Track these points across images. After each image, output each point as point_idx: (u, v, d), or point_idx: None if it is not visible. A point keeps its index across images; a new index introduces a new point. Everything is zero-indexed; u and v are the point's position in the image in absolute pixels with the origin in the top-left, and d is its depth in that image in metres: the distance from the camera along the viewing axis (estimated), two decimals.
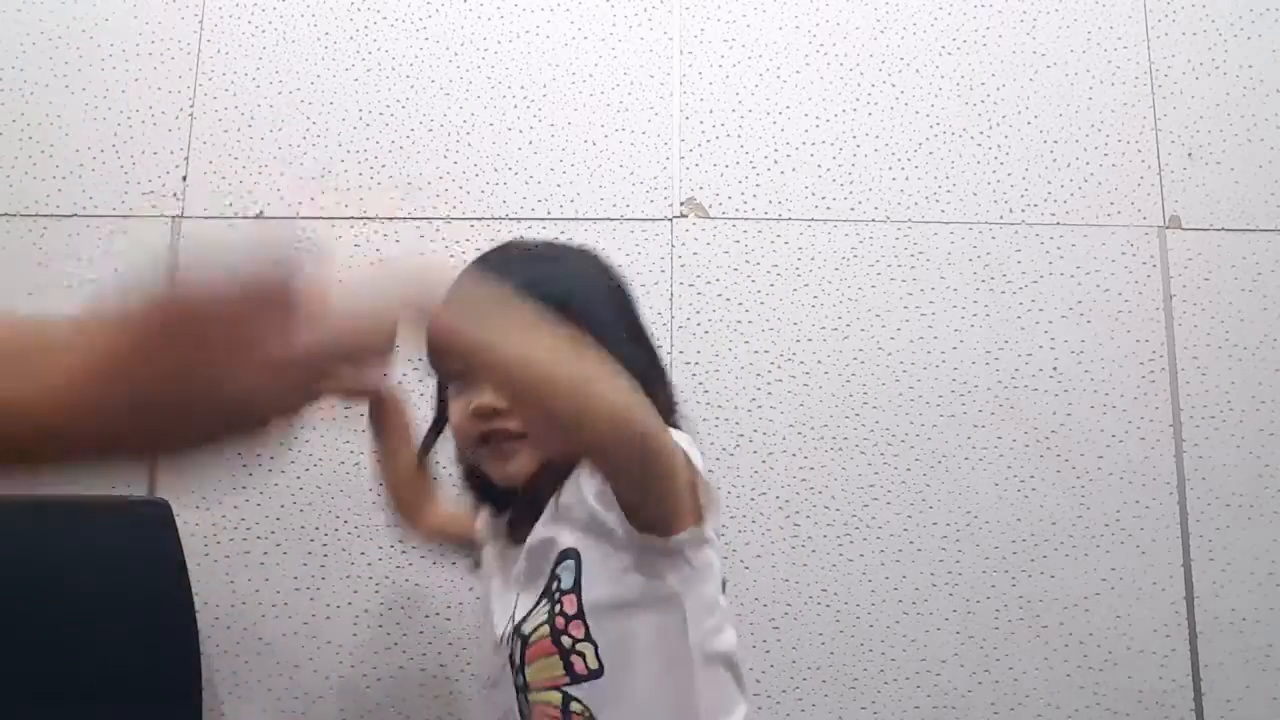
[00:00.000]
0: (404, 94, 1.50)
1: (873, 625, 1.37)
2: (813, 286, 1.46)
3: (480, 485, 1.00)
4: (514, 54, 1.51)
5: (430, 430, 1.06)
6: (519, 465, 0.92)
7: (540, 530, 0.90)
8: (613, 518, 0.83)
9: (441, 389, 1.04)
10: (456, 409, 0.95)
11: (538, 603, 0.87)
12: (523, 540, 0.91)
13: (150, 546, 1.31)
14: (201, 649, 1.34)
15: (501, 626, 0.92)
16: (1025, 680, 1.36)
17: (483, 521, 1.06)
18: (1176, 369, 1.43)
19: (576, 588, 0.84)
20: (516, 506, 0.96)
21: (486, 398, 0.90)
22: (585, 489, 0.86)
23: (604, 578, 0.84)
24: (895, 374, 1.43)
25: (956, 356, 1.44)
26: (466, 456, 1.00)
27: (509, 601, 0.92)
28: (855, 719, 1.35)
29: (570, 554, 0.86)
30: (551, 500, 0.90)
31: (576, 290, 0.92)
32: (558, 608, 0.84)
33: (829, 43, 1.52)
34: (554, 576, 0.86)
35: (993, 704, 1.36)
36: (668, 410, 0.94)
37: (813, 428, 1.41)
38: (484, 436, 0.92)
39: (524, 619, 0.88)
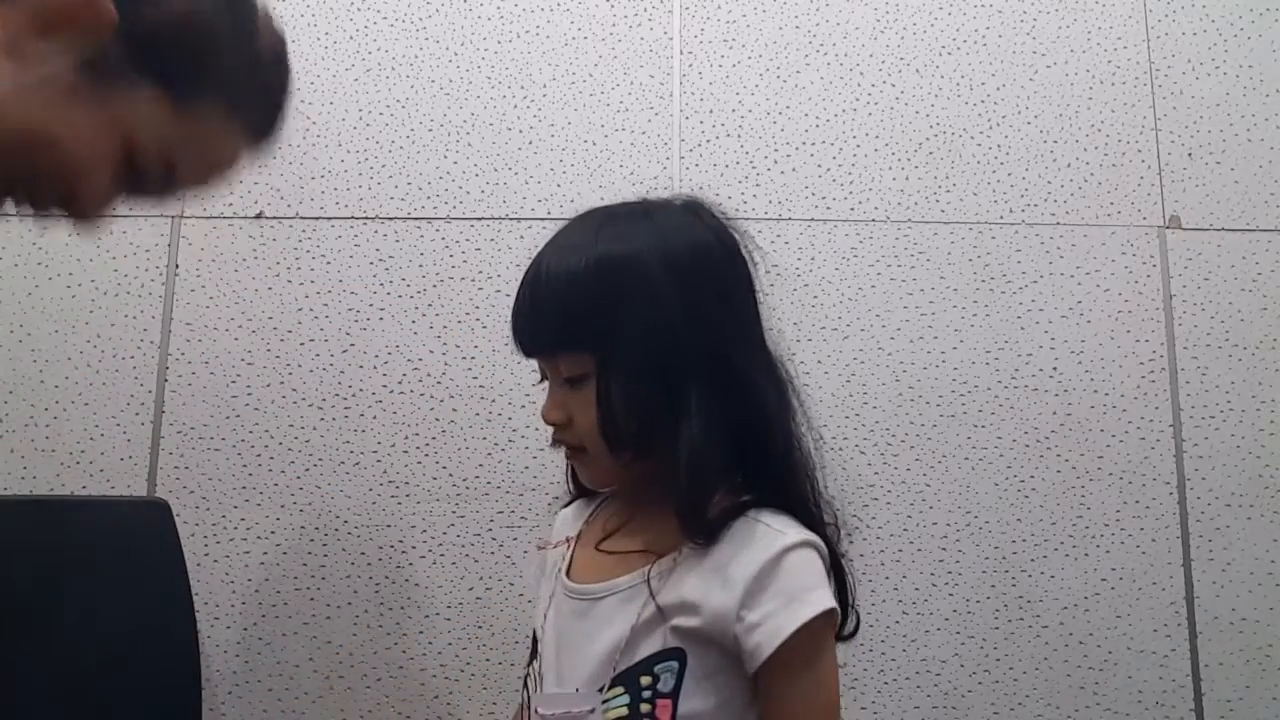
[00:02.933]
0: (404, 94, 1.50)
1: (873, 625, 1.37)
2: (813, 286, 1.46)
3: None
4: (514, 54, 1.51)
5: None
6: (591, 476, 0.88)
7: (639, 599, 0.80)
8: (747, 655, 0.77)
9: None
10: None
11: (615, 687, 0.79)
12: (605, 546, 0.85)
13: (150, 546, 1.31)
14: (201, 649, 1.34)
15: (549, 657, 0.85)
16: (1025, 680, 1.36)
17: (562, 521, 0.99)
18: (1176, 369, 1.43)
19: (675, 694, 0.77)
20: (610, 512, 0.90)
21: (544, 408, 0.85)
22: (723, 600, 0.77)
23: (706, 691, 0.78)
24: (895, 374, 1.43)
25: (956, 356, 1.44)
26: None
27: (569, 636, 0.84)
28: (855, 719, 1.35)
29: (676, 655, 0.78)
30: (660, 569, 0.80)
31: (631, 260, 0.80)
32: (647, 707, 0.77)
33: (829, 43, 1.52)
34: (650, 672, 0.78)
35: (993, 704, 1.36)
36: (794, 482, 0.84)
37: (813, 428, 1.41)
38: (558, 442, 0.87)
39: (589, 690, 0.80)
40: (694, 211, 0.86)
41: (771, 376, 0.85)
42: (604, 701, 0.78)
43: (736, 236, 0.87)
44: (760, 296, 0.87)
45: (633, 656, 0.79)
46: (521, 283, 0.84)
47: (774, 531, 0.79)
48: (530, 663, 0.89)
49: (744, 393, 0.81)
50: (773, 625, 0.76)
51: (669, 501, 0.80)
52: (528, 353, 0.85)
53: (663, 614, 0.78)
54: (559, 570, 0.89)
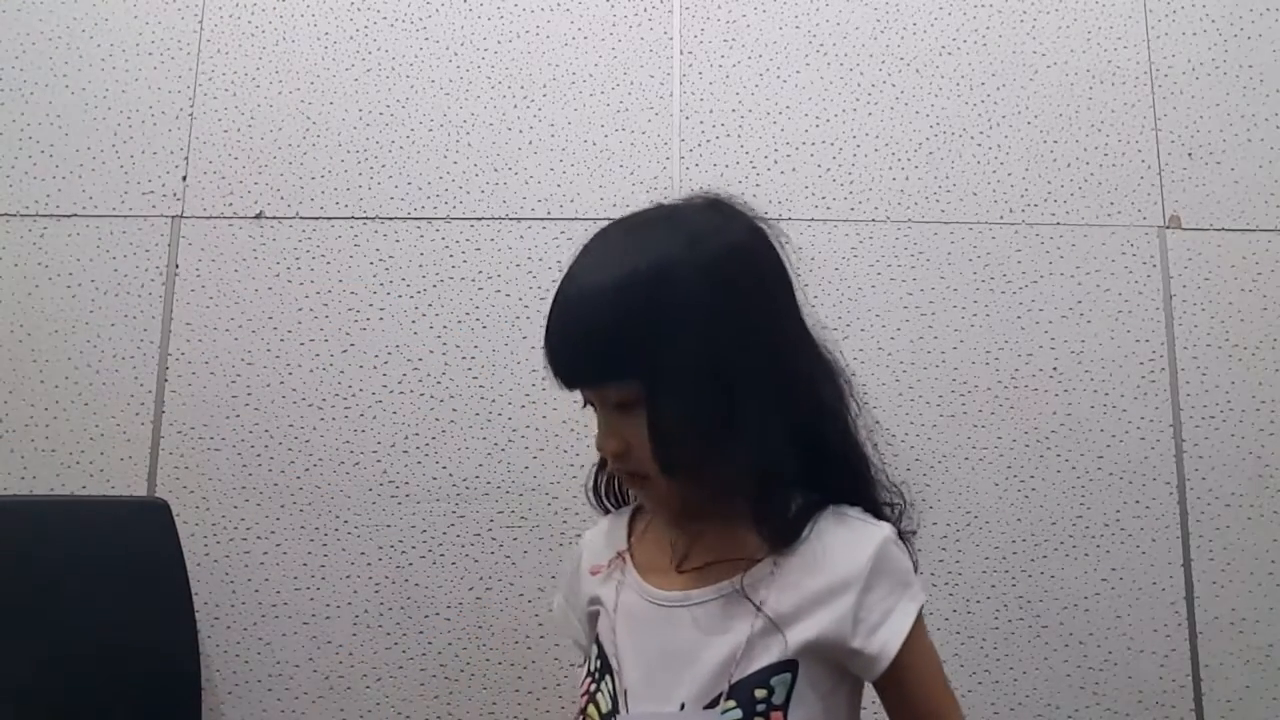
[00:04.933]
0: (404, 94, 1.50)
1: None
2: (813, 286, 1.45)
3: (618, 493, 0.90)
4: (514, 54, 1.51)
5: (598, 466, 0.90)
6: (656, 505, 0.83)
7: (742, 609, 0.77)
8: (869, 658, 0.77)
9: None
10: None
11: (728, 700, 0.75)
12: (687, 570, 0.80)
13: (150, 546, 1.31)
14: (201, 649, 1.34)
15: (633, 673, 0.80)
16: (1025, 680, 1.36)
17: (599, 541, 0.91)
18: (1176, 369, 1.43)
19: (785, 705, 0.75)
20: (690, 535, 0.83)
21: (600, 440, 0.80)
22: (838, 606, 0.76)
23: (814, 699, 0.76)
24: (895, 374, 1.43)
25: (956, 356, 1.44)
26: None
27: (661, 649, 0.79)
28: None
29: (790, 667, 0.75)
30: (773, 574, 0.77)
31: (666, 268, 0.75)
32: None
33: (829, 43, 1.52)
34: (766, 685, 0.75)
35: (993, 704, 1.36)
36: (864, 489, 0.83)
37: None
38: (620, 471, 0.82)
39: (695, 706, 0.75)
40: (717, 208, 0.81)
41: (822, 367, 0.82)
42: (720, 715, 0.74)
43: (765, 228, 0.83)
44: (797, 286, 0.85)
45: (747, 668, 0.75)
46: (550, 313, 0.78)
47: (867, 525, 0.79)
48: (596, 681, 0.82)
49: (799, 389, 0.79)
50: (895, 625, 0.77)
51: (736, 512, 0.77)
52: (569, 385, 0.79)
53: (776, 625, 0.75)
54: (620, 585, 0.84)
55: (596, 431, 0.80)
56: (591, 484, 0.90)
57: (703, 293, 0.74)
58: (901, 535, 0.81)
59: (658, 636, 0.80)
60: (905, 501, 0.84)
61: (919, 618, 0.78)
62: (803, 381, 0.79)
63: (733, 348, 0.75)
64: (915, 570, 0.81)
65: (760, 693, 0.74)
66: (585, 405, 0.81)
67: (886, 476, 0.84)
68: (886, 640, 0.76)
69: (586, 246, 0.79)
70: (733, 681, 0.75)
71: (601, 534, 0.90)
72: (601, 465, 0.88)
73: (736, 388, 0.75)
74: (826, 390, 0.81)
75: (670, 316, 0.73)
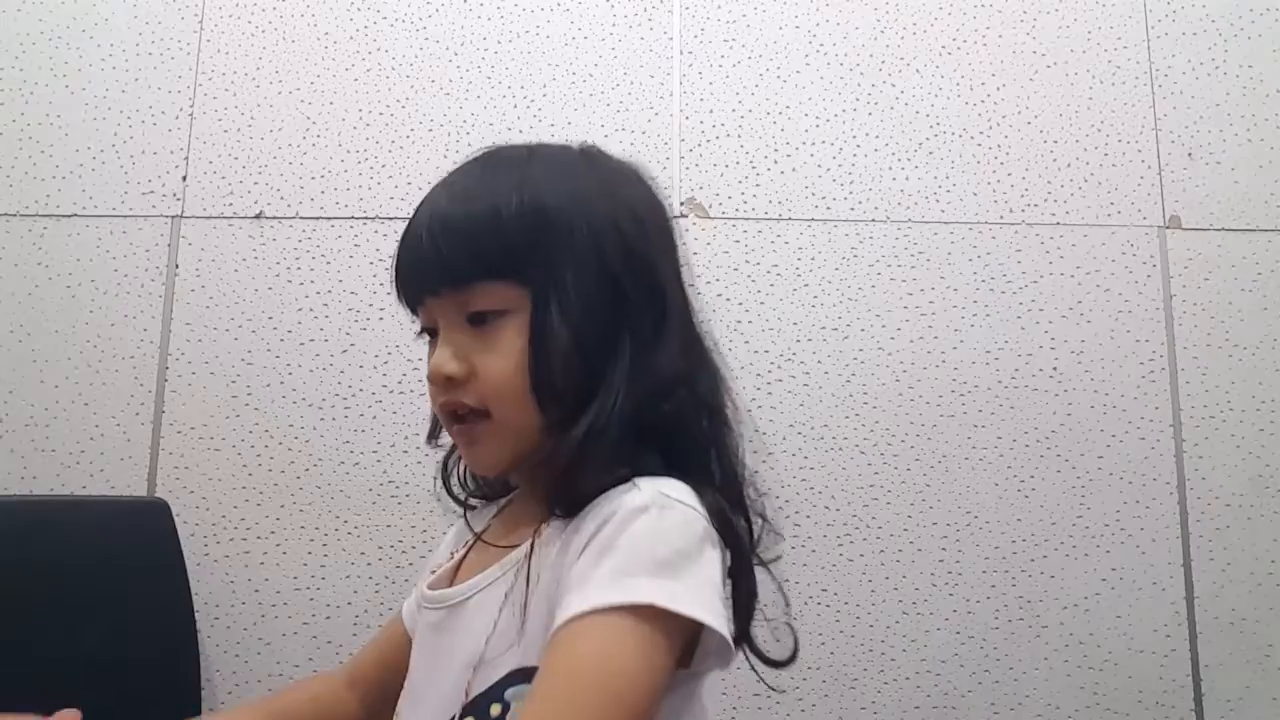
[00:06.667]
0: (404, 94, 1.50)
1: (873, 625, 1.37)
2: (813, 286, 1.46)
3: (465, 481, 0.77)
4: (514, 54, 1.51)
5: (447, 455, 0.78)
6: (487, 453, 0.67)
7: (498, 598, 0.63)
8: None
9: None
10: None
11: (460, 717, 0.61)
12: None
13: (150, 546, 1.31)
14: (201, 649, 1.34)
15: (406, 691, 0.69)
16: (1025, 680, 1.36)
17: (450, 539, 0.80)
18: (1176, 369, 1.43)
19: None
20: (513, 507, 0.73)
21: (436, 359, 0.66)
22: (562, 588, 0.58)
23: None
24: (895, 374, 1.43)
25: (956, 356, 1.44)
26: (441, 435, 0.74)
27: (423, 659, 0.68)
28: (855, 719, 1.35)
29: (529, 676, 0.58)
30: (530, 551, 0.63)
31: (566, 209, 0.65)
32: None
33: (829, 43, 1.52)
34: (501, 699, 0.60)
35: (993, 704, 1.36)
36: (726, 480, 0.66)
37: (813, 428, 1.41)
38: (451, 412, 0.67)
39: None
40: (636, 172, 0.74)
41: (702, 354, 0.70)
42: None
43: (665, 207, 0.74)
44: (686, 268, 0.73)
45: (489, 678, 0.61)
46: (416, 220, 0.67)
47: (636, 490, 0.60)
48: None
49: (674, 360, 0.65)
50: (581, 594, 0.56)
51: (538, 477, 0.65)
52: (424, 285, 0.67)
53: (523, 615, 0.61)
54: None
55: (428, 363, 0.68)
56: (442, 472, 0.76)
57: (605, 212, 0.66)
58: (743, 556, 0.64)
59: (424, 641, 0.70)
60: (763, 523, 0.68)
61: (630, 616, 0.54)
62: (683, 346, 0.67)
63: (626, 281, 0.65)
64: (747, 611, 0.64)
65: (495, 709, 0.59)
66: (421, 333, 0.71)
67: (755, 491, 0.68)
68: (566, 608, 0.56)
69: (473, 163, 0.71)
70: (471, 695, 0.61)
71: (454, 535, 0.79)
72: (451, 453, 0.76)
73: (623, 323, 0.65)
74: (702, 377, 0.68)
75: (573, 230, 0.64)
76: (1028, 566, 1.39)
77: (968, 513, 1.40)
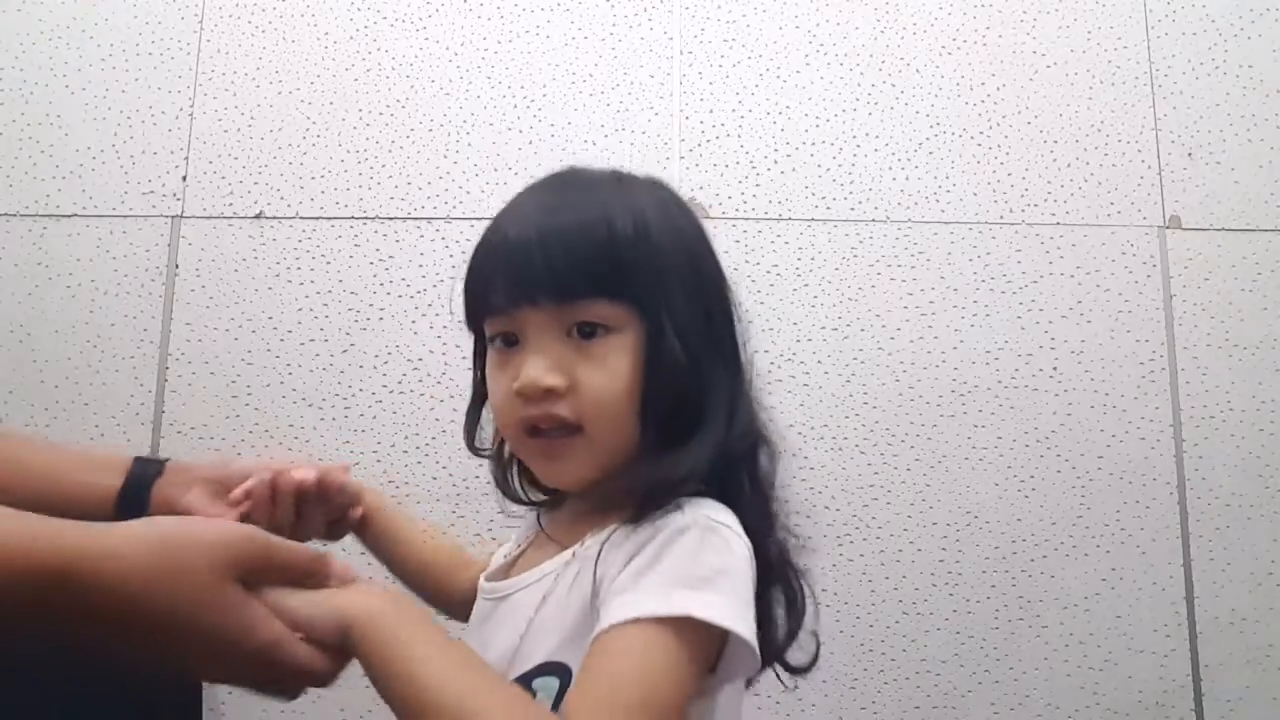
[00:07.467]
0: (404, 94, 1.50)
1: (873, 625, 1.37)
2: (813, 286, 1.46)
3: (524, 485, 0.78)
4: (514, 54, 1.51)
5: (470, 412, 0.78)
6: (573, 469, 0.68)
7: (542, 591, 0.66)
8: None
9: (480, 355, 0.75)
10: (499, 384, 0.69)
11: None
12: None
13: None
14: None
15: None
16: (1025, 680, 1.36)
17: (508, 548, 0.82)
18: (1176, 369, 1.43)
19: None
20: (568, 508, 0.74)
21: (535, 370, 0.65)
22: (602, 580, 0.62)
23: None
24: (895, 374, 1.43)
25: (956, 356, 1.44)
26: (509, 447, 0.75)
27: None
28: (855, 719, 1.35)
29: (556, 670, 0.62)
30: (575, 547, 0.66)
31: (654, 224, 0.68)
32: None
33: (829, 43, 1.52)
34: (529, 689, 0.63)
35: (993, 704, 1.36)
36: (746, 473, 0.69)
37: (813, 428, 1.41)
38: (531, 426, 0.67)
39: None
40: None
41: (752, 384, 0.73)
42: None
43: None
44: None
45: (520, 668, 0.64)
46: (515, 232, 0.68)
47: (680, 512, 0.62)
48: None
49: (752, 388, 0.70)
50: (623, 602, 0.59)
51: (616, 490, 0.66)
52: (530, 297, 0.66)
53: (561, 612, 0.64)
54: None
55: (520, 372, 0.66)
56: (500, 476, 0.78)
57: (696, 245, 0.71)
58: (784, 567, 0.70)
59: (472, 632, 0.73)
60: (788, 531, 0.73)
61: (669, 626, 0.58)
62: (746, 375, 0.71)
63: (718, 311, 0.70)
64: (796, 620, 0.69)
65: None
66: (492, 339, 0.69)
67: (773, 498, 0.72)
68: (610, 615, 0.59)
69: (562, 184, 0.73)
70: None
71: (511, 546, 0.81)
72: (498, 456, 0.78)
73: (717, 354, 0.68)
74: (757, 410, 0.71)
75: (672, 250, 0.68)
76: (1028, 566, 1.39)
77: (968, 513, 1.40)
